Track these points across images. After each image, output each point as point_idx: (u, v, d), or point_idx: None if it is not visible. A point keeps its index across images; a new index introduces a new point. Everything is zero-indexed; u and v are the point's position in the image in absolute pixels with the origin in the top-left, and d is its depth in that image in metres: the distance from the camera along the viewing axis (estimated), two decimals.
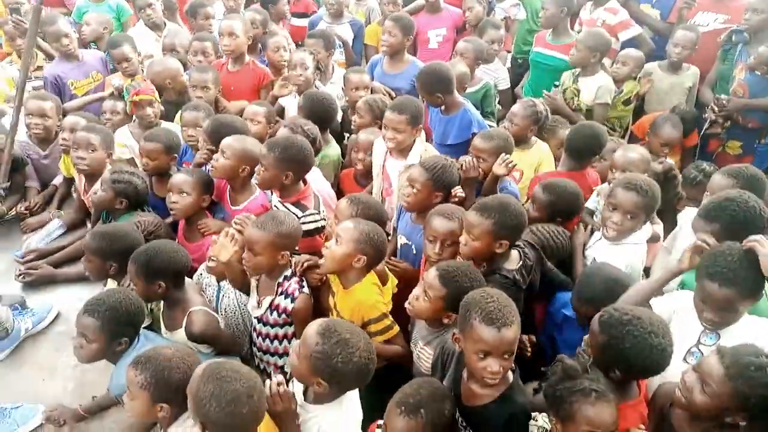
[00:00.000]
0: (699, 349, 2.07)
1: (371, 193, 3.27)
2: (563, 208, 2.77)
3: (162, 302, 2.42)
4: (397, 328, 2.34)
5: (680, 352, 2.06)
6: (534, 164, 3.39)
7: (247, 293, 2.54)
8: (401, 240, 2.84)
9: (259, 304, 2.44)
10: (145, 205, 3.02)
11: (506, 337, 1.77)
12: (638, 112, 4.31)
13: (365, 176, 3.39)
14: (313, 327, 1.82)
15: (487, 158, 2.97)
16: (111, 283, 2.70)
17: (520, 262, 2.36)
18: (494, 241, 2.29)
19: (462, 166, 2.93)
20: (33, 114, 3.57)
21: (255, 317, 2.47)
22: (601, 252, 2.61)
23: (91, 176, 3.18)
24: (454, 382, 2.00)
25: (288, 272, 2.42)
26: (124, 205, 2.91)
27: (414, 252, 2.77)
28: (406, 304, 2.22)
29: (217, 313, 2.53)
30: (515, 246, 2.39)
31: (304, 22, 5.32)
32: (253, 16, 4.55)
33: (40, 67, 4.42)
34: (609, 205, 2.58)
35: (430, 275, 2.13)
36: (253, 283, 2.49)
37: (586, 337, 2.03)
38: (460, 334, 1.89)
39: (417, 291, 2.18)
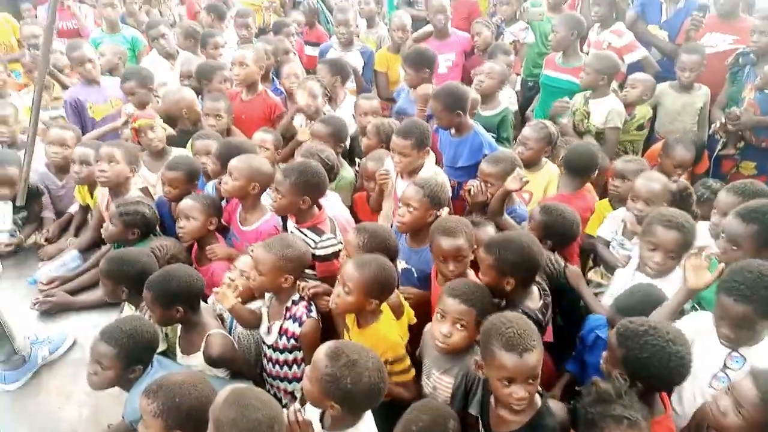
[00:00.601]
0: (726, 374, 2.04)
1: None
2: (557, 232, 2.74)
3: (179, 326, 2.43)
4: (413, 372, 2.28)
5: (706, 378, 2.03)
6: (543, 185, 3.39)
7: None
8: (401, 264, 2.78)
9: (269, 330, 2.44)
10: (154, 230, 3.06)
11: (528, 363, 1.76)
12: (649, 133, 4.29)
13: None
14: (322, 350, 1.82)
15: (495, 182, 2.97)
16: (127, 309, 2.73)
17: (541, 301, 2.31)
18: (500, 277, 2.23)
19: (470, 190, 2.95)
20: (53, 143, 3.65)
21: (266, 344, 2.47)
22: None
23: (115, 192, 3.24)
24: (482, 408, 1.97)
25: (296, 297, 2.42)
26: (136, 236, 2.96)
27: (415, 275, 2.75)
28: (439, 343, 2.11)
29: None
30: (535, 282, 2.33)
31: (317, 51, 5.42)
32: (264, 46, 4.63)
33: (57, 98, 4.52)
34: (648, 244, 2.51)
35: (451, 304, 2.09)
36: (264, 309, 2.50)
37: (604, 353, 2.01)
38: (482, 361, 1.87)
39: (444, 329, 2.09)
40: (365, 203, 3.51)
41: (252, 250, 2.48)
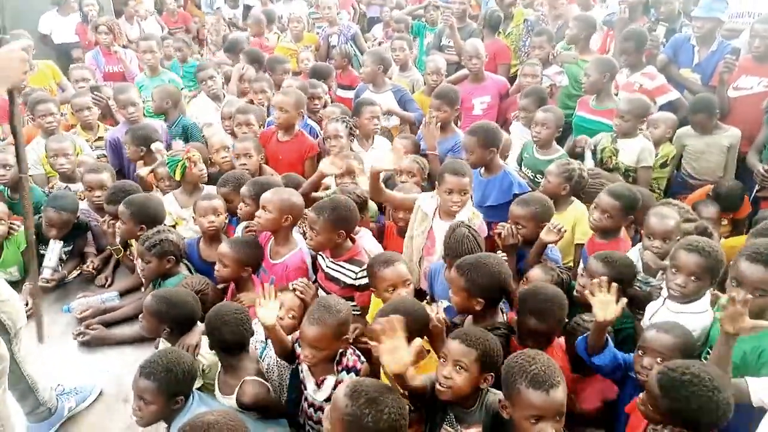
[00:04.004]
0: None
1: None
2: (626, 280, 2.73)
3: (219, 365, 2.47)
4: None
5: None
6: (571, 224, 3.35)
7: (289, 362, 2.54)
8: (443, 304, 2.72)
9: (319, 385, 2.36)
10: (184, 255, 3.15)
11: (556, 399, 1.76)
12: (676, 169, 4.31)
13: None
14: (341, 390, 1.81)
15: (525, 224, 2.98)
16: (162, 344, 2.77)
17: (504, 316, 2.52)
18: (470, 298, 2.38)
19: (500, 233, 2.96)
20: (93, 187, 3.78)
21: (319, 399, 2.37)
22: (664, 318, 2.52)
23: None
24: None
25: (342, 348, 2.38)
26: (172, 263, 3.02)
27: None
28: (439, 386, 2.01)
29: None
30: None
31: (350, 94, 5.53)
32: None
33: (100, 138, 4.70)
34: (671, 267, 2.53)
35: (453, 346, 2.04)
36: (306, 368, 2.41)
37: (642, 396, 1.97)
38: (506, 401, 1.85)
39: (445, 371, 2.02)
40: (395, 236, 3.51)
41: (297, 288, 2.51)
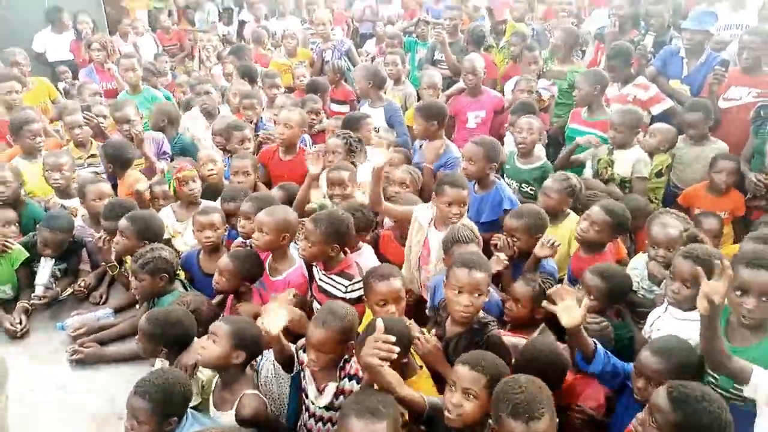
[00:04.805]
0: None
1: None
2: (622, 293, 2.83)
3: (216, 379, 2.44)
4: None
5: None
6: (567, 237, 3.38)
7: (288, 370, 2.51)
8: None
9: (320, 391, 2.36)
10: (176, 272, 3.12)
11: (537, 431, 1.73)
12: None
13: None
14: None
15: (520, 236, 3.04)
16: (159, 362, 2.74)
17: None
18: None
19: (496, 245, 3.00)
20: (96, 198, 3.75)
21: (319, 406, 2.37)
22: (667, 326, 2.56)
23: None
24: None
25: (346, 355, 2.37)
26: (165, 281, 3.00)
27: None
28: (449, 414, 2.00)
29: None
30: None
31: (343, 109, 5.58)
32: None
33: (93, 155, 4.68)
34: (670, 274, 2.58)
35: (461, 372, 2.01)
36: (308, 374, 2.41)
37: (640, 415, 1.96)
38: (495, 425, 1.84)
39: (454, 398, 1.99)
40: (392, 241, 3.53)
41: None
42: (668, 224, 2.94)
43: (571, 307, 2.22)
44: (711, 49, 4.79)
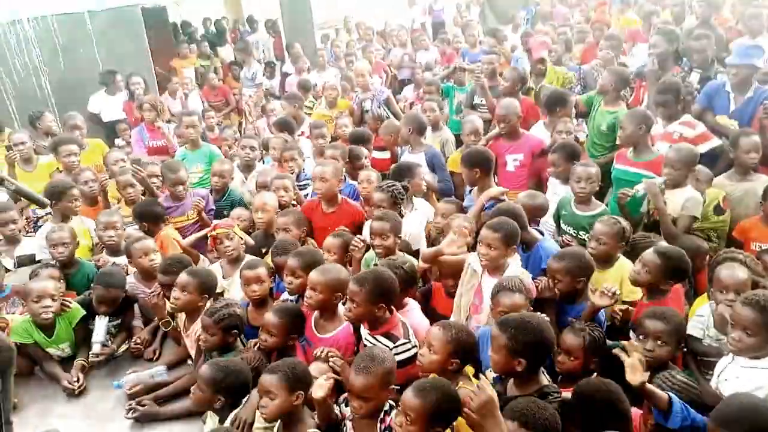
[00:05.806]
0: None
1: None
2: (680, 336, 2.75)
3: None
4: None
5: None
6: (618, 281, 3.26)
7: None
8: (490, 374, 2.70)
9: None
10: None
11: None
12: None
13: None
14: None
15: (561, 278, 3.04)
16: (209, 422, 2.76)
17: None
18: (512, 358, 2.35)
19: (538, 287, 3.00)
20: (142, 255, 3.85)
21: None
22: (733, 374, 2.48)
23: (191, 315, 3.35)
24: None
25: (387, 406, 2.37)
26: (235, 336, 3.04)
27: None
28: None
29: None
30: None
31: (384, 155, 5.66)
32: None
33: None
34: (731, 321, 2.50)
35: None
36: (350, 426, 2.42)
37: None
38: None
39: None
40: (443, 296, 3.49)
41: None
42: (736, 267, 2.88)
43: (636, 368, 2.20)
44: (758, 82, 4.67)
